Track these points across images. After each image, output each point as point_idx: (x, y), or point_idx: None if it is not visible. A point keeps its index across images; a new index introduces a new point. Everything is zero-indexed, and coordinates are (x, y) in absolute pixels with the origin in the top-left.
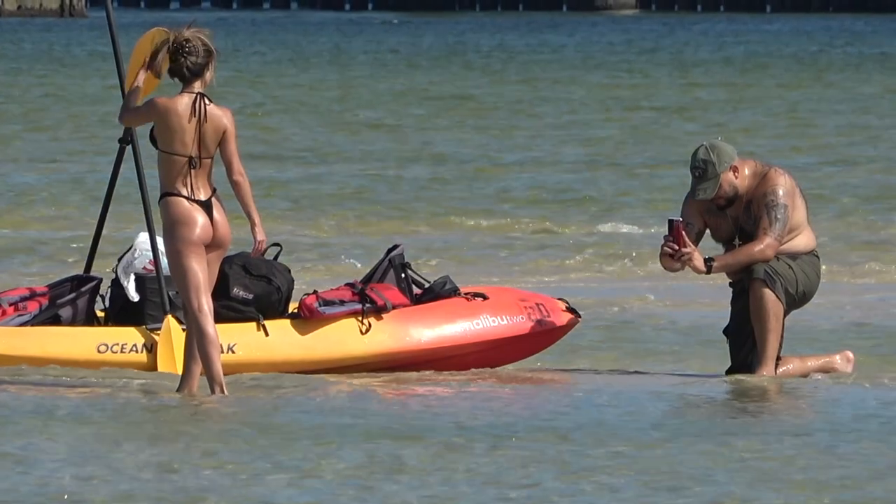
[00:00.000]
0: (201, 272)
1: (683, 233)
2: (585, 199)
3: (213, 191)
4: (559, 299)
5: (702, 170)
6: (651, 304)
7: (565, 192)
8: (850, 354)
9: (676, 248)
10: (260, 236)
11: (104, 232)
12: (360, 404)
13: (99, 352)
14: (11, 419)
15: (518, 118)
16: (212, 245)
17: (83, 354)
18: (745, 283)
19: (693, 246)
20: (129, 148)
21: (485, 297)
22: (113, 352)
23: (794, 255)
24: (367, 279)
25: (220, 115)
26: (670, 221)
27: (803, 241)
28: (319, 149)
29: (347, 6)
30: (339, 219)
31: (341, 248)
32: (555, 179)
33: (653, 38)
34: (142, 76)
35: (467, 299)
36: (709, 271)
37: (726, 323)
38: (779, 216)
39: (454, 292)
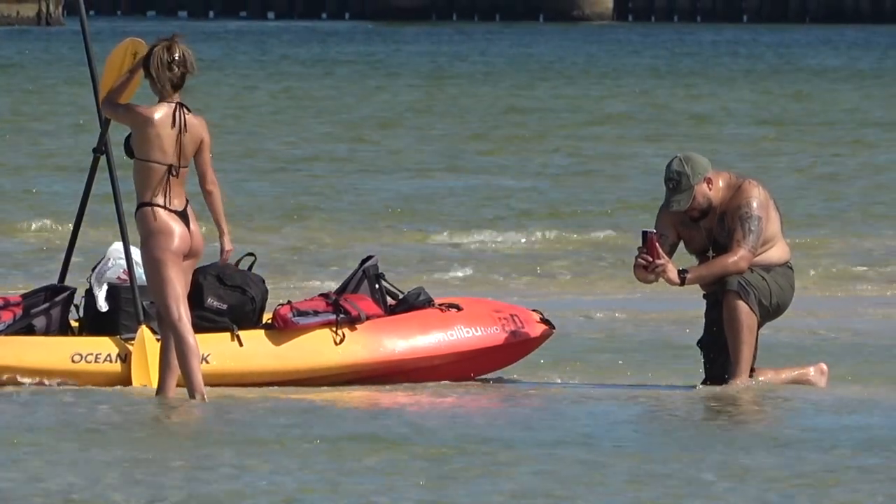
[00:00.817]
0: (179, 282)
1: (657, 244)
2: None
3: (187, 201)
4: (533, 310)
5: (676, 181)
6: (624, 315)
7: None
8: (824, 367)
9: (650, 259)
10: (227, 246)
11: (78, 242)
12: (334, 414)
13: (73, 361)
14: None
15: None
16: (188, 254)
17: (57, 364)
18: (718, 294)
19: (667, 258)
20: (103, 158)
21: (459, 308)
22: (87, 361)
23: (767, 267)
24: (342, 290)
25: (197, 125)
26: (644, 233)
27: (777, 253)
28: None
29: (324, 15)
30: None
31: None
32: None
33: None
34: (132, 78)
35: (441, 310)
36: (682, 283)
37: (700, 335)
38: (752, 228)
39: (428, 303)
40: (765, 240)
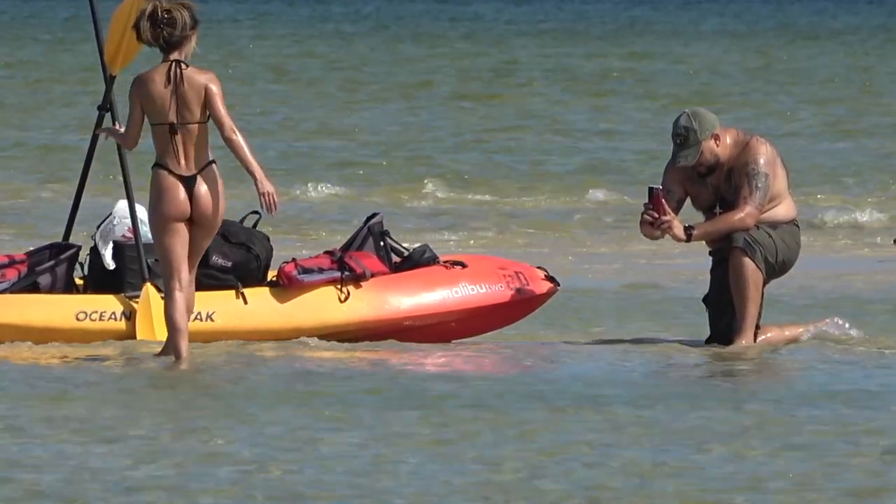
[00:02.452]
0: (178, 250)
1: (663, 201)
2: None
3: (208, 164)
4: (538, 267)
5: (683, 137)
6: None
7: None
8: (839, 320)
9: (656, 216)
10: (263, 188)
11: (83, 199)
12: (339, 369)
13: (78, 319)
14: None
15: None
16: (194, 222)
17: (62, 322)
18: (724, 252)
19: (673, 214)
20: (108, 115)
21: (464, 266)
22: (91, 319)
23: (774, 225)
24: (346, 247)
25: (198, 77)
26: (650, 189)
27: (783, 210)
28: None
29: None
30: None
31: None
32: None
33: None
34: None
35: (446, 268)
36: (689, 239)
37: (705, 292)
38: (759, 185)
39: (433, 261)
40: (771, 196)
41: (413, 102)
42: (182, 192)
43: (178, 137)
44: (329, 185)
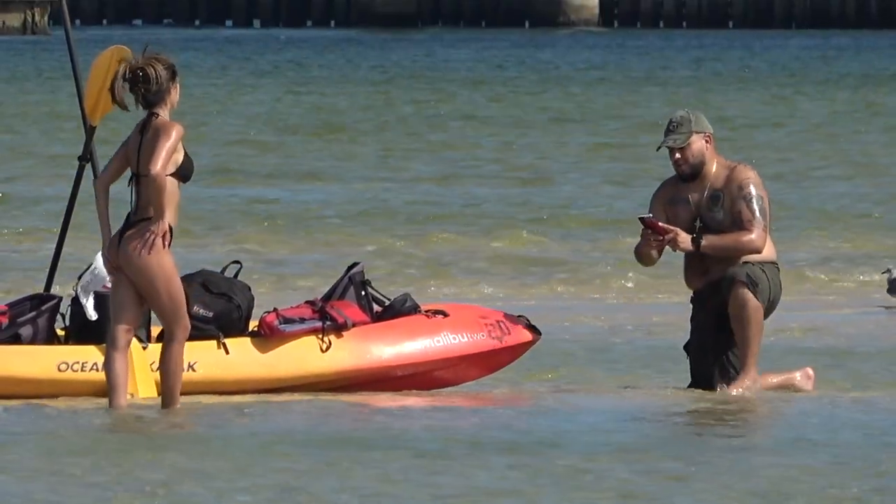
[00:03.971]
0: (115, 298)
1: (658, 223)
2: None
3: (145, 219)
4: (519, 316)
5: (677, 123)
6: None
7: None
8: (811, 371)
9: (660, 237)
10: (156, 227)
11: (64, 250)
12: (318, 419)
13: (59, 370)
14: None
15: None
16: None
17: (43, 373)
18: (705, 294)
19: (674, 227)
20: (88, 165)
21: (445, 315)
22: (73, 370)
23: (761, 263)
24: (328, 297)
25: (160, 125)
26: (641, 219)
27: (767, 249)
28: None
29: (309, 23)
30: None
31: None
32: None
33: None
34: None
35: (427, 317)
36: (697, 248)
37: (681, 340)
38: (760, 208)
39: (414, 310)
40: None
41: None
42: (116, 239)
43: (137, 188)
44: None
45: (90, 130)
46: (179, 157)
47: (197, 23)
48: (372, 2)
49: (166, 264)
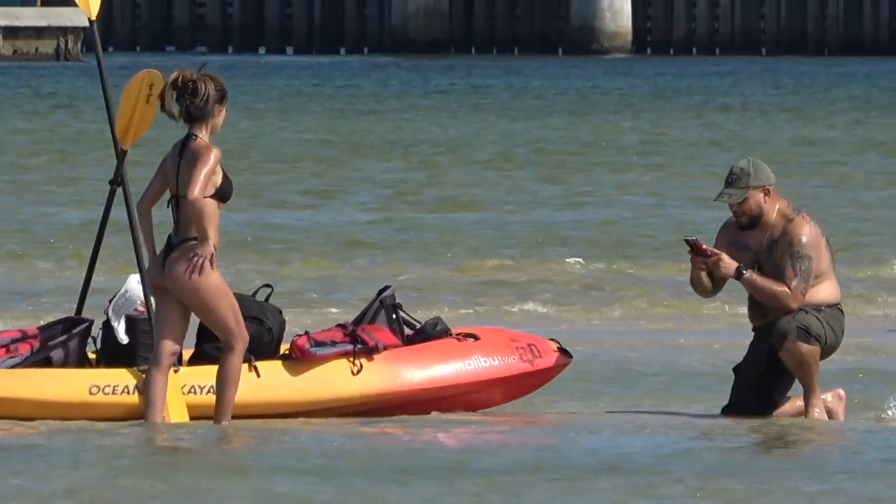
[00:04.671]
0: (160, 317)
1: (703, 245)
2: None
3: (190, 239)
4: (551, 339)
5: (735, 177)
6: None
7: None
8: (842, 392)
9: (705, 260)
10: (201, 249)
11: (94, 274)
12: (348, 444)
13: (90, 393)
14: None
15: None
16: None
17: (75, 396)
18: (764, 330)
19: (719, 252)
20: (119, 189)
21: (476, 338)
22: (105, 393)
23: (818, 307)
24: (359, 320)
25: (197, 148)
26: (686, 240)
27: (826, 290)
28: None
29: (343, 51)
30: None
31: None
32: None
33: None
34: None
35: (458, 340)
36: (738, 277)
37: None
38: (802, 268)
39: (445, 333)
40: (814, 275)
41: None
42: (161, 258)
43: (177, 210)
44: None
45: (121, 154)
46: (218, 179)
47: (230, 50)
48: (405, 28)
49: (215, 282)
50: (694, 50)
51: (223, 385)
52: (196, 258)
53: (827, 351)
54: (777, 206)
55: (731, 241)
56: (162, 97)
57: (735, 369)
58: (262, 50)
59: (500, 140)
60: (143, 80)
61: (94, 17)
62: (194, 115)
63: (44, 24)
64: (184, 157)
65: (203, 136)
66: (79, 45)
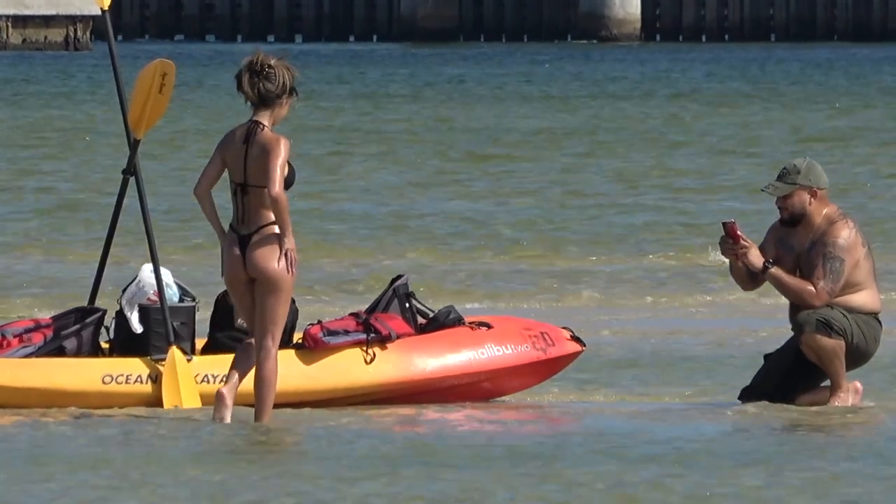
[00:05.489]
0: (242, 307)
1: (738, 231)
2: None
3: (266, 226)
4: (563, 328)
5: (786, 171)
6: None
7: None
8: (859, 385)
9: (736, 245)
10: (285, 244)
11: (108, 263)
12: (367, 433)
13: (104, 383)
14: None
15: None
16: (253, 279)
17: (88, 385)
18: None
19: (752, 243)
20: (132, 179)
21: (489, 327)
22: (118, 382)
23: (850, 310)
24: (372, 309)
25: (267, 140)
26: (723, 224)
27: (862, 299)
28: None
29: (352, 38)
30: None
31: None
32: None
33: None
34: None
35: (472, 328)
36: (763, 272)
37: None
38: (833, 269)
39: (458, 321)
40: (850, 283)
41: None
42: (234, 250)
43: (244, 198)
44: None
45: (134, 144)
46: (285, 168)
47: (239, 38)
48: (414, 16)
49: (291, 280)
50: (703, 37)
51: (265, 388)
52: (287, 252)
53: (857, 354)
54: (824, 211)
55: (779, 239)
56: (239, 78)
57: (766, 356)
58: (270, 38)
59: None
60: (157, 69)
61: (106, 7)
62: (264, 98)
63: (53, 12)
64: (252, 147)
65: (267, 124)
66: (88, 33)
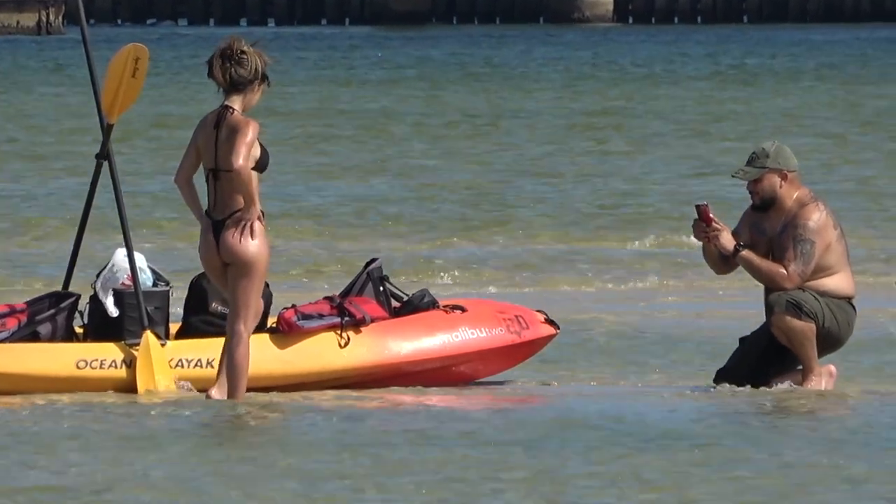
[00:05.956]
0: (222, 291)
1: (710, 214)
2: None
3: (237, 211)
4: (538, 311)
5: (755, 156)
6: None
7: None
8: (833, 368)
9: (707, 229)
10: (244, 215)
11: (82, 248)
12: (342, 415)
13: (78, 367)
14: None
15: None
16: (228, 264)
17: (62, 370)
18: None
19: (724, 226)
20: (105, 163)
21: (463, 310)
22: (92, 367)
23: (822, 293)
24: (346, 293)
25: (236, 122)
26: (696, 206)
27: (834, 282)
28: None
29: (324, 21)
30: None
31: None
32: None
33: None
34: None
35: (446, 312)
36: (735, 255)
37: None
38: (804, 251)
39: (433, 305)
40: (822, 267)
41: None
42: (209, 236)
43: (217, 183)
44: None
45: (107, 128)
46: (257, 151)
47: (212, 22)
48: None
49: (264, 256)
50: (676, 19)
51: (237, 372)
52: (245, 222)
53: (829, 339)
54: (795, 195)
55: (752, 224)
56: (210, 64)
57: (741, 339)
58: (243, 22)
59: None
60: (130, 53)
61: None
62: (236, 83)
63: None
64: (221, 131)
65: (238, 108)
66: (60, 17)
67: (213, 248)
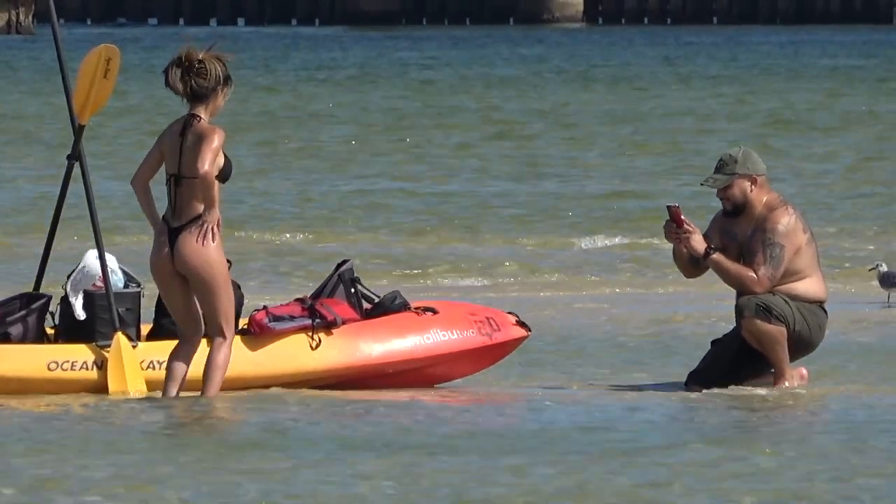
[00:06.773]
0: (166, 299)
1: (682, 216)
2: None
3: (195, 219)
4: (509, 313)
5: (723, 163)
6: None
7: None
8: (804, 371)
9: (679, 231)
10: (206, 216)
11: (52, 249)
12: (312, 417)
13: (49, 369)
14: None
15: None
16: (181, 275)
17: (33, 372)
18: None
19: (695, 228)
20: (77, 164)
21: (435, 312)
22: (63, 369)
23: (793, 297)
24: (317, 294)
25: (202, 129)
26: (668, 207)
27: (805, 286)
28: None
29: (294, 21)
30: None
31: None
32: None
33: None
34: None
35: (417, 314)
36: (705, 257)
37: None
38: (773, 255)
39: (404, 307)
40: (792, 271)
41: None
42: (164, 244)
43: (178, 190)
44: None
45: (79, 129)
46: (221, 160)
47: (182, 21)
48: (357, 0)
49: (222, 263)
50: (645, 19)
51: (215, 371)
52: (205, 225)
53: (801, 343)
54: (765, 199)
55: (722, 229)
56: (166, 74)
57: (713, 342)
58: (213, 21)
59: None
60: (101, 54)
61: None
62: (199, 95)
63: None
64: (187, 138)
65: (204, 116)
66: (31, 17)
67: (166, 255)
